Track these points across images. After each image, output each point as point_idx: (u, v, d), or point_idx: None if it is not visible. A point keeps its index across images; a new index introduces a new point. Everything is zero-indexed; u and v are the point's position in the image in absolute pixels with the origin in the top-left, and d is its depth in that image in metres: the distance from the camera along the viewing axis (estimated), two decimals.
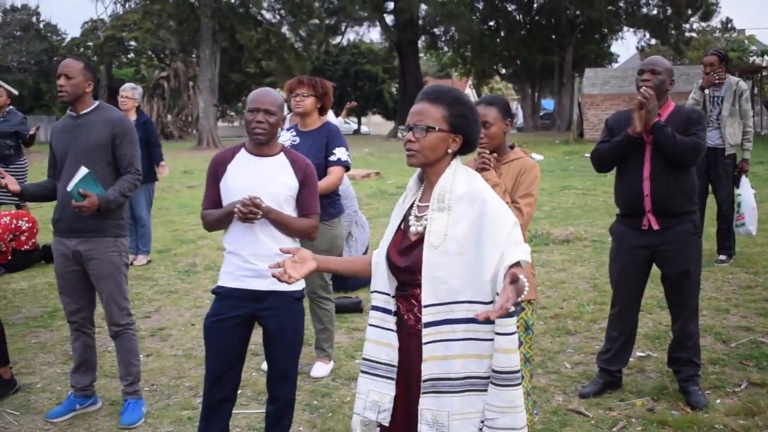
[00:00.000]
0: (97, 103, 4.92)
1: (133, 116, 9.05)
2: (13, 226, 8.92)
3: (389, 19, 45.26)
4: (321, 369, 5.75)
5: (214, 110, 35.51)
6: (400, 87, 50.46)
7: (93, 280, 4.93)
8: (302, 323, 4.18)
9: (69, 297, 5.04)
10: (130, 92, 9.15)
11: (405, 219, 2.94)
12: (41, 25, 65.03)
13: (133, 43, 52.23)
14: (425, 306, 2.75)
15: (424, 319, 2.75)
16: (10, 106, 9.52)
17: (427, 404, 2.74)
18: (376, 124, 68.29)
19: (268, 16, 41.56)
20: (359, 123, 63.67)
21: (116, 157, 4.84)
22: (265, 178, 3.97)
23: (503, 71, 54.60)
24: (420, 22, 45.33)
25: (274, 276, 2.95)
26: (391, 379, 2.92)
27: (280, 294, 3.99)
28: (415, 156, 2.82)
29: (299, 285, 4.13)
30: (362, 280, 7.98)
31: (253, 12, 40.93)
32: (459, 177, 2.82)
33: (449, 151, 2.82)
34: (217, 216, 4.01)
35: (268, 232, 3.95)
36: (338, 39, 50.17)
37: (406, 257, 2.85)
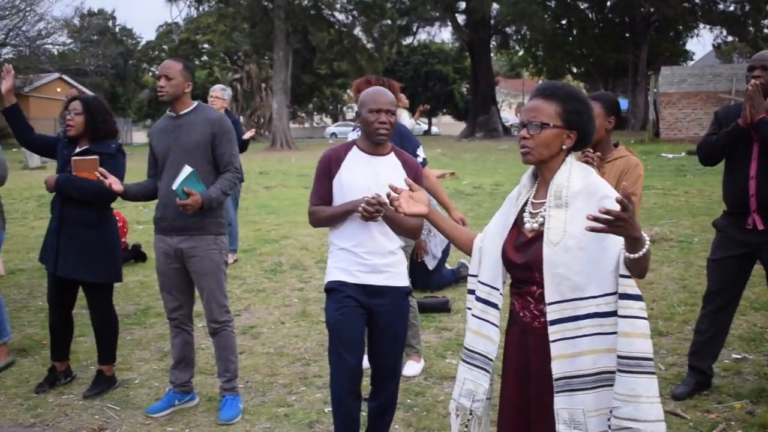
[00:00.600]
0: (196, 103, 5.01)
1: None
2: None
3: (461, 18, 45.12)
4: (413, 367, 5.76)
5: (287, 111, 35.74)
6: (471, 87, 50.33)
7: (193, 278, 5.02)
8: (408, 318, 4.24)
9: (170, 294, 5.13)
10: (220, 93, 9.27)
11: (519, 216, 2.93)
12: (117, 29, 66.50)
13: (206, 45, 53.04)
14: (549, 303, 2.74)
15: (549, 317, 2.74)
16: None
17: (561, 403, 2.73)
18: (446, 124, 68.21)
19: (340, 17, 41.80)
20: (429, 123, 63.63)
21: (216, 156, 4.91)
22: (380, 177, 3.95)
23: (575, 70, 54.00)
24: (492, 21, 45.15)
25: (388, 196, 3.07)
26: (486, 371, 2.96)
27: (393, 289, 4.04)
28: (530, 153, 2.81)
29: (407, 281, 4.17)
30: (447, 280, 7.97)
31: (325, 13, 41.16)
32: (574, 173, 2.80)
33: (564, 147, 2.82)
34: (331, 213, 4.03)
35: (382, 229, 3.98)
36: (410, 39, 50.15)
37: (523, 254, 2.84)
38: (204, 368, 5.88)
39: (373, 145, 4.03)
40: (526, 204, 2.93)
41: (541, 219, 2.81)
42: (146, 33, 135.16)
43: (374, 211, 3.74)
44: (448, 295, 7.59)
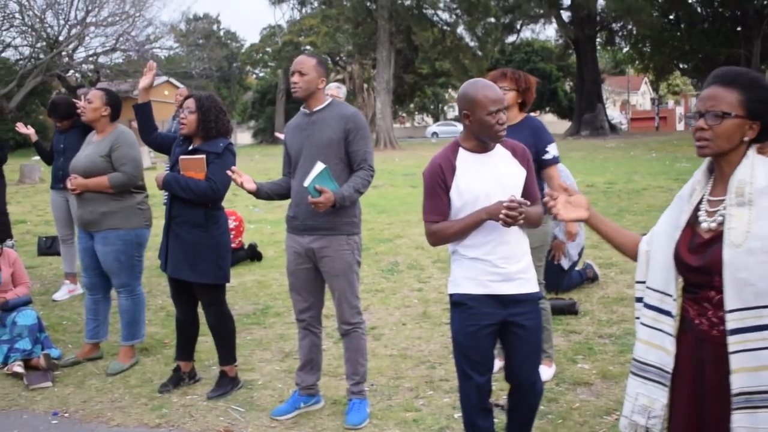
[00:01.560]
0: (330, 99, 4.86)
1: None
2: None
3: (566, 15, 44.39)
4: (545, 372, 5.48)
5: (390, 111, 35.71)
6: (576, 85, 49.43)
7: (325, 278, 4.89)
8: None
9: (299, 295, 5.01)
10: (335, 90, 9.12)
11: (693, 214, 2.68)
12: (221, 33, 67.78)
13: (308, 47, 53.44)
14: (729, 311, 2.49)
15: (729, 325, 2.49)
16: None
17: (740, 421, 2.48)
18: (549, 122, 67.07)
19: (444, 16, 41.57)
20: None
21: (349, 153, 4.76)
22: (498, 173, 3.71)
23: (683, 66, 52.53)
24: (597, 17, 44.22)
25: (545, 203, 2.93)
26: (663, 384, 2.72)
27: (528, 296, 3.77)
28: (707, 146, 2.58)
29: (537, 286, 3.88)
30: (575, 281, 7.69)
31: (428, 13, 41.02)
32: (758, 168, 2.55)
33: (745, 139, 2.57)
34: (462, 227, 3.69)
35: (514, 230, 3.70)
36: (513, 37, 49.58)
37: (700, 256, 2.60)
38: (327, 370, 5.73)
39: (482, 143, 3.74)
40: (701, 202, 2.70)
41: (720, 218, 2.58)
42: (249, 36, 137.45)
43: (517, 215, 3.48)
44: (575, 296, 7.29)
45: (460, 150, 3.78)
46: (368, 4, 39.12)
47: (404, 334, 6.57)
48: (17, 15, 44.52)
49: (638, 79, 75.74)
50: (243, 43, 70.53)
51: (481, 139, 3.73)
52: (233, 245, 9.20)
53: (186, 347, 5.69)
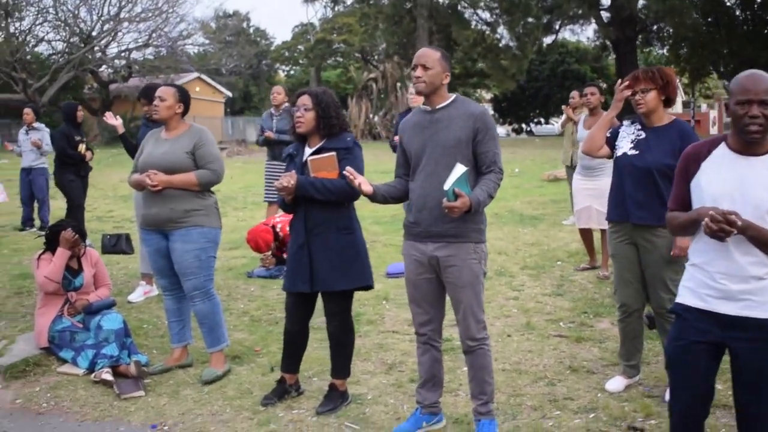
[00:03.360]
0: (454, 96, 4.48)
1: None
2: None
3: (605, 15, 43.73)
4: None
5: None
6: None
7: (449, 289, 4.49)
8: None
9: (419, 307, 4.63)
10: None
11: None
12: (251, 31, 67.64)
13: (341, 45, 53.19)
14: None
15: None
16: (287, 104, 9.38)
17: None
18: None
19: (483, 15, 41.11)
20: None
21: (478, 155, 4.36)
22: (746, 180, 3.25)
23: (722, 69, 51.71)
24: (638, 18, 43.45)
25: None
26: None
27: (754, 321, 3.28)
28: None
29: None
30: None
31: (468, 13, 40.61)
32: None
33: None
34: (683, 221, 3.40)
35: (744, 249, 3.24)
36: (551, 38, 48.95)
37: None
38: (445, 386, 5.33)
39: (746, 142, 3.28)
40: None
41: None
42: (279, 34, 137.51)
43: (717, 229, 3.07)
44: None
45: (722, 145, 3.38)
46: (407, 2, 38.72)
47: (512, 347, 6.17)
48: (51, 10, 44.63)
49: None
50: (272, 41, 70.36)
51: (741, 137, 3.29)
52: None
53: (294, 359, 5.32)
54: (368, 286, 5.09)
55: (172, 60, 48.43)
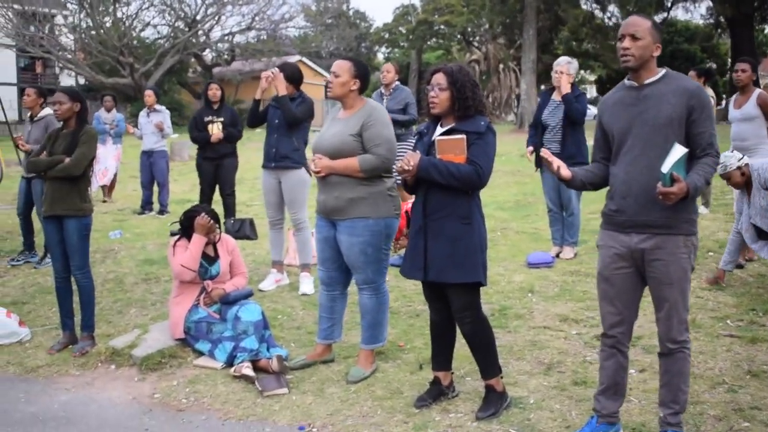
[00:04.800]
0: (664, 70, 3.98)
1: (566, 90, 8.16)
2: None
3: None
4: None
5: (536, 92, 34.33)
6: (731, 67, 46.85)
7: (652, 286, 4.02)
8: None
9: (611, 305, 4.17)
10: (565, 66, 8.24)
11: None
12: (351, 13, 67.55)
13: (442, 27, 52.53)
14: None
15: None
16: (397, 82, 8.94)
17: None
18: None
19: None
20: None
21: (693, 136, 3.86)
22: None
23: None
24: None
25: None
26: None
27: None
28: None
29: None
30: None
31: None
32: None
33: None
34: None
35: None
36: (662, 15, 47.21)
37: None
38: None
39: None
40: None
41: None
42: (378, 16, 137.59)
43: None
44: None
45: None
46: None
47: None
48: None
49: None
50: (372, 23, 70.07)
51: None
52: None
53: (444, 356, 4.92)
54: (478, 284, 4.63)
55: (274, 43, 48.60)
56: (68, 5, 44.84)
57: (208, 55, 51.29)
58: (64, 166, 5.85)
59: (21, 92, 49.88)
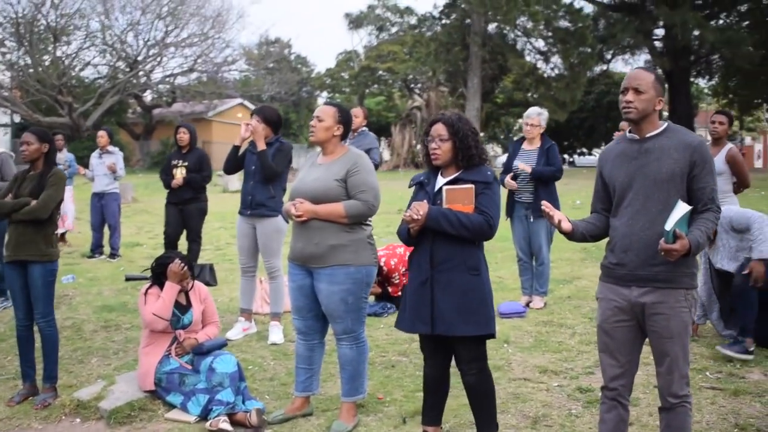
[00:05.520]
0: (665, 123, 3.96)
1: (538, 143, 8.18)
2: (406, 258, 8.22)
3: (659, 45, 42.95)
4: None
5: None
6: (669, 117, 47.94)
7: (653, 340, 3.96)
8: None
9: (612, 358, 4.08)
10: (536, 118, 8.26)
11: None
12: (292, 58, 67.71)
13: (385, 73, 52.89)
14: None
15: None
16: (364, 128, 8.85)
17: None
18: None
19: (537, 44, 40.58)
20: None
21: (693, 190, 3.85)
22: None
23: None
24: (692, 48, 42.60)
25: None
26: None
27: None
28: None
29: None
30: None
31: (521, 43, 40.21)
32: None
33: None
34: None
35: None
36: (603, 67, 48.19)
37: None
38: None
39: None
40: None
41: None
42: (319, 61, 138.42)
43: None
44: None
45: None
46: (459, 32, 38.48)
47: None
48: (99, 34, 44.81)
49: (705, 115, 73.70)
50: (313, 68, 70.24)
51: None
52: None
53: (436, 410, 4.80)
54: (491, 335, 4.54)
55: (216, 85, 48.42)
56: (6, 42, 44.08)
57: (148, 96, 50.84)
58: (30, 208, 5.62)
59: None
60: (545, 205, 4.08)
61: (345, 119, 5.21)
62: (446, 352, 4.64)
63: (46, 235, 5.72)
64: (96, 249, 12.12)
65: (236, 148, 7.26)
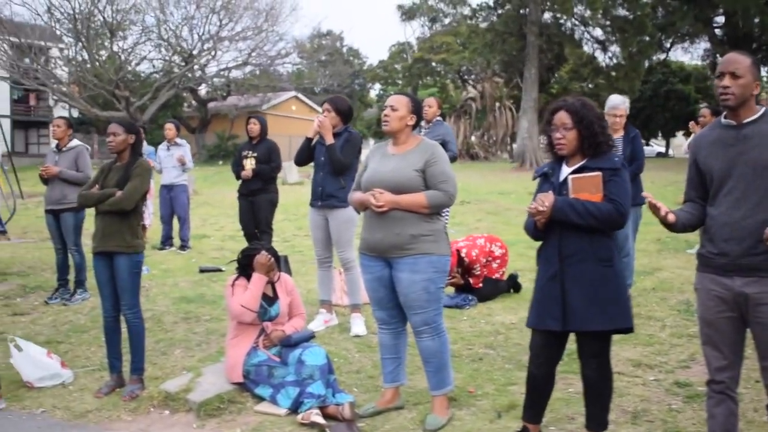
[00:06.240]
0: (763, 109, 3.78)
1: (622, 132, 7.94)
2: (487, 249, 8.11)
3: (719, 33, 42.18)
4: None
5: (537, 130, 34.18)
6: None
7: (757, 332, 3.78)
8: None
9: (717, 350, 3.91)
10: (623, 108, 8.00)
11: None
12: (344, 50, 67.85)
13: (438, 64, 52.75)
14: None
15: None
16: (438, 117, 8.72)
17: None
18: (680, 146, 64.78)
19: (595, 33, 40.02)
20: (667, 146, 60.45)
21: None
22: None
23: None
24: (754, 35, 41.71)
25: None
26: None
27: None
28: None
29: None
30: None
31: (578, 32, 39.70)
32: None
33: None
34: None
35: None
36: (662, 56, 47.49)
37: None
38: None
39: None
40: None
41: None
42: (371, 53, 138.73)
43: None
44: None
45: None
46: (516, 21, 38.13)
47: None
48: (154, 29, 45.23)
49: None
50: (365, 60, 70.35)
51: None
52: (497, 275, 8.21)
53: (538, 408, 4.62)
54: (629, 329, 4.37)
55: (269, 78, 48.65)
56: (64, 38, 44.72)
57: (203, 90, 51.26)
58: (115, 199, 5.61)
59: (14, 124, 49.81)
60: (649, 197, 3.91)
61: (417, 109, 5.13)
62: (557, 351, 4.48)
63: (132, 227, 5.70)
64: (166, 241, 12.16)
65: (309, 140, 7.18)
